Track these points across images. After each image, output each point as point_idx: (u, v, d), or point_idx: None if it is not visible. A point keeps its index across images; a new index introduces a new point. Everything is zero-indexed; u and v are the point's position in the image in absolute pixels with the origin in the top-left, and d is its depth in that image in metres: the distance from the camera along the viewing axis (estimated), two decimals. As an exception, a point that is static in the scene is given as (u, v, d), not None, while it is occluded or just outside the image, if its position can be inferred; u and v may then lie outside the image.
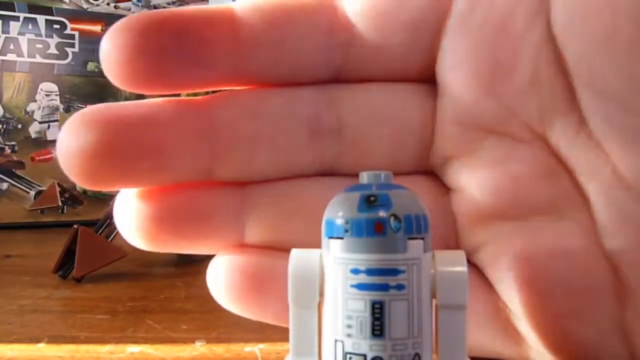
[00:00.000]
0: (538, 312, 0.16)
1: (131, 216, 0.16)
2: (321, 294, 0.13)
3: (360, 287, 0.12)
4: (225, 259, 0.17)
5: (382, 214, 0.12)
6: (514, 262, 0.16)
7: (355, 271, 0.12)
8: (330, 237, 0.13)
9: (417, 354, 0.12)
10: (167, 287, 0.30)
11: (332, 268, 0.13)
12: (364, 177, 0.13)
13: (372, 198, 0.13)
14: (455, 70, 0.16)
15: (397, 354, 0.12)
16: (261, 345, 0.21)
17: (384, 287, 0.12)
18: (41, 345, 0.21)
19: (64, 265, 0.33)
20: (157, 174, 0.16)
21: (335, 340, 0.13)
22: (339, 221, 0.13)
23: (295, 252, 0.13)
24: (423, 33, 0.17)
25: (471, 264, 0.17)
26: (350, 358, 0.12)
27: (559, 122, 0.15)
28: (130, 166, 0.16)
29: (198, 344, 0.21)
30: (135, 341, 0.22)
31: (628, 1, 0.13)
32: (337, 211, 0.13)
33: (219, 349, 0.21)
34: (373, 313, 0.12)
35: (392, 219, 0.12)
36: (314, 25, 0.16)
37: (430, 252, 0.13)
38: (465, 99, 0.16)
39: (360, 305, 0.12)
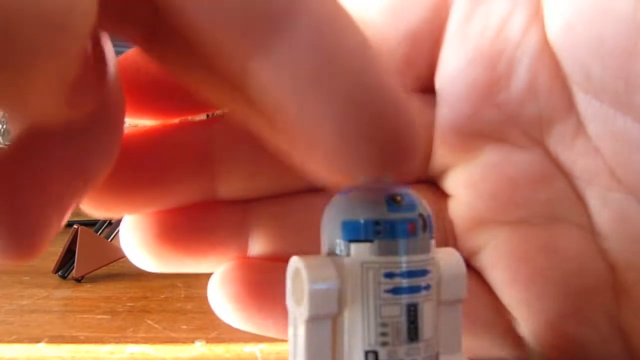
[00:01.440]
0: (536, 313, 0.16)
1: (137, 238, 0.16)
2: (340, 305, 0.12)
3: (396, 291, 0.12)
4: (227, 269, 0.17)
5: (412, 214, 0.12)
6: (511, 263, 0.16)
7: (390, 275, 0.12)
8: (352, 241, 0.12)
9: (437, 352, 0.12)
10: (167, 287, 0.31)
11: (357, 274, 0.12)
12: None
13: (399, 198, 0.12)
14: (454, 79, 0.16)
15: (429, 354, 0.12)
16: (261, 345, 0.21)
17: (417, 289, 0.12)
18: (41, 345, 0.21)
19: (64, 265, 0.34)
20: (161, 199, 0.16)
21: (367, 352, 0.12)
22: (367, 223, 0.12)
23: (300, 262, 0.12)
24: (421, 44, 0.17)
25: (470, 267, 0.18)
26: None
27: (557, 127, 0.15)
28: (135, 193, 0.16)
29: (198, 344, 0.21)
30: (135, 341, 0.22)
31: (619, 5, 0.13)
32: (360, 213, 0.12)
33: (219, 349, 0.21)
34: (409, 317, 0.12)
35: (420, 219, 0.12)
36: None
37: None
38: (464, 107, 0.16)
39: (396, 310, 0.12)
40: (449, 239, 0.18)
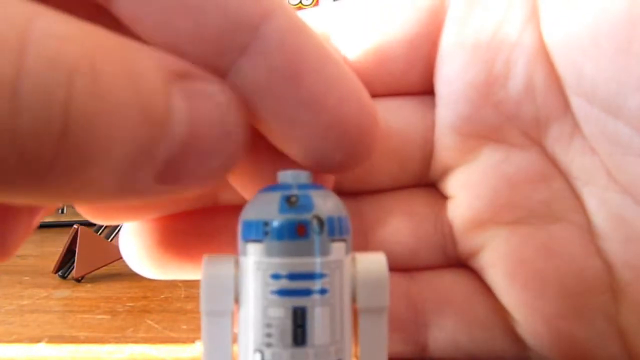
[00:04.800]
0: (535, 313, 0.16)
1: (137, 245, 0.16)
2: (236, 302, 0.12)
3: (282, 293, 0.11)
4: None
5: (304, 215, 0.12)
6: (509, 264, 0.16)
7: (276, 276, 0.11)
8: (248, 240, 0.12)
9: None
10: (167, 287, 0.31)
11: (250, 273, 0.12)
12: (284, 177, 0.13)
13: (294, 199, 0.12)
14: (452, 80, 0.16)
15: None
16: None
17: (307, 292, 0.11)
18: (41, 345, 0.21)
19: (64, 265, 0.34)
20: (162, 206, 0.16)
21: (255, 350, 0.12)
22: (257, 223, 0.12)
23: (207, 257, 0.12)
24: (420, 46, 0.17)
25: (470, 268, 0.18)
26: None
27: (554, 127, 0.16)
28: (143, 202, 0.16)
29: (198, 344, 0.21)
30: (135, 341, 0.22)
31: (613, 8, 0.13)
32: (256, 212, 0.12)
33: (219, 349, 0.21)
34: (295, 320, 0.11)
35: (314, 220, 0.12)
36: None
37: (351, 254, 0.12)
38: (463, 108, 0.16)
39: (280, 312, 0.11)
40: (448, 240, 0.18)
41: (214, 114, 0.11)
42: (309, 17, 0.17)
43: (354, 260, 0.12)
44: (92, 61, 0.09)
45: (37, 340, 0.22)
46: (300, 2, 0.77)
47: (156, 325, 0.24)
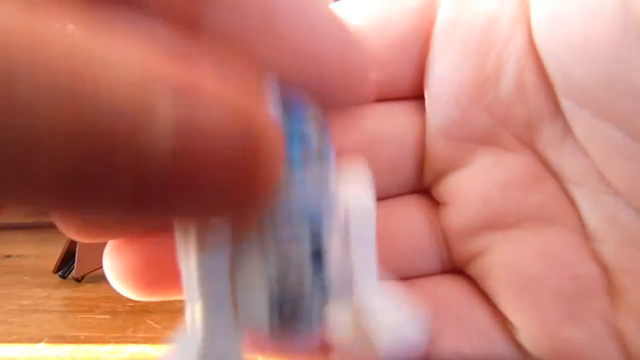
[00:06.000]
0: (532, 319, 0.16)
1: (120, 267, 0.16)
2: None
3: None
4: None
5: None
6: (504, 270, 0.16)
7: None
8: None
9: None
10: (167, 287, 0.31)
11: None
12: None
13: None
14: (441, 83, 0.16)
15: None
16: (261, 345, 0.21)
17: None
18: (41, 345, 0.21)
19: (64, 265, 0.34)
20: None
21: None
22: None
23: None
24: (410, 50, 0.16)
25: (467, 275, 0.17)
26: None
27: (546, 129, 0.15)
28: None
29: (198, 344, 0.21)
30: (135, 341, 0.22)
31: (605, 11, 0.13)
32: None
33: (219, 349, 0.21)
34: None
35: None
36: None
37: None
38: (453, 111, 0.16)
39: None
40: (443, 248, 0.17)
41: (223, 125, 0.09)
42: None
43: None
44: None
45: (38, 340, 0.22)
46: (301, 2, 0.78)
47: (156, 325, 0.24)
